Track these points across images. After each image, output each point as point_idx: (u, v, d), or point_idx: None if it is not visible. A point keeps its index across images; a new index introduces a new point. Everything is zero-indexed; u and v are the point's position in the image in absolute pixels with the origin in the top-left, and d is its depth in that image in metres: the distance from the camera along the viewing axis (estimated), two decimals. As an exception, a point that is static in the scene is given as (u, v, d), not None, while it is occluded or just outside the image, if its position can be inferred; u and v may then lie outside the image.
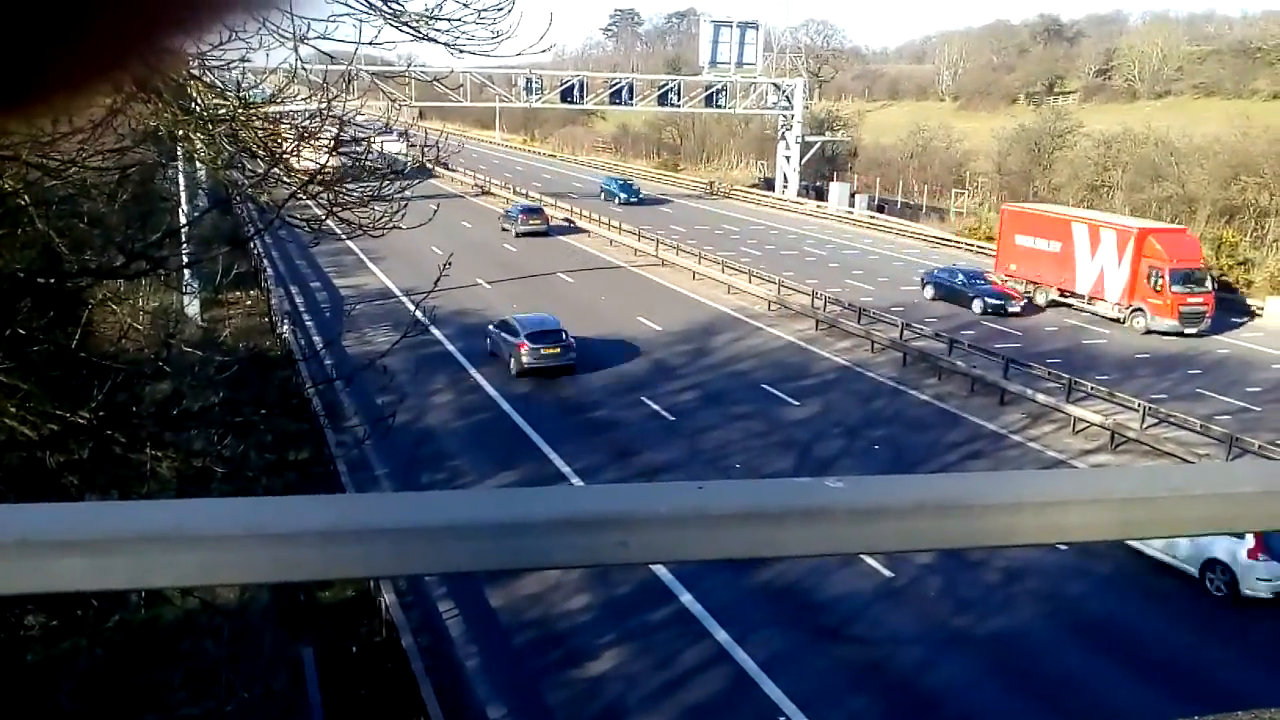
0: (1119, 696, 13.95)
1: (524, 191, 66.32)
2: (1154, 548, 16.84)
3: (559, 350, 28.28)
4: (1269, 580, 16.13)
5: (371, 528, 0.86)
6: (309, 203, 8.35)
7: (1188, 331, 34.24)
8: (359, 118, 8.68)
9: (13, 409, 7.17)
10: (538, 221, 52.28)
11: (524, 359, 27.91)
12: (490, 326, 30.22)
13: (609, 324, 33.77)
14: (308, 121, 7.92)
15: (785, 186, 68.21)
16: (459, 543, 0.87)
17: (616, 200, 63.72)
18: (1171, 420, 24.36)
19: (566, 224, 55.31)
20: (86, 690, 11.56)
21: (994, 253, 42.91)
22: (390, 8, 7.35)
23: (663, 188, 76.07)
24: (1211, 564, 16.58)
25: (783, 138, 68.43)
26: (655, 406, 25.76)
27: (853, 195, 65.49)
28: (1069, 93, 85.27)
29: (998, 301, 37.27)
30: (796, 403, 26.72)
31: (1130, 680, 14.32)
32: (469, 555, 0.88)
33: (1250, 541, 15.77)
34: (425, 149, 9.16)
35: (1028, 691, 14.31)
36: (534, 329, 28.48)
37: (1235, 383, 29.47)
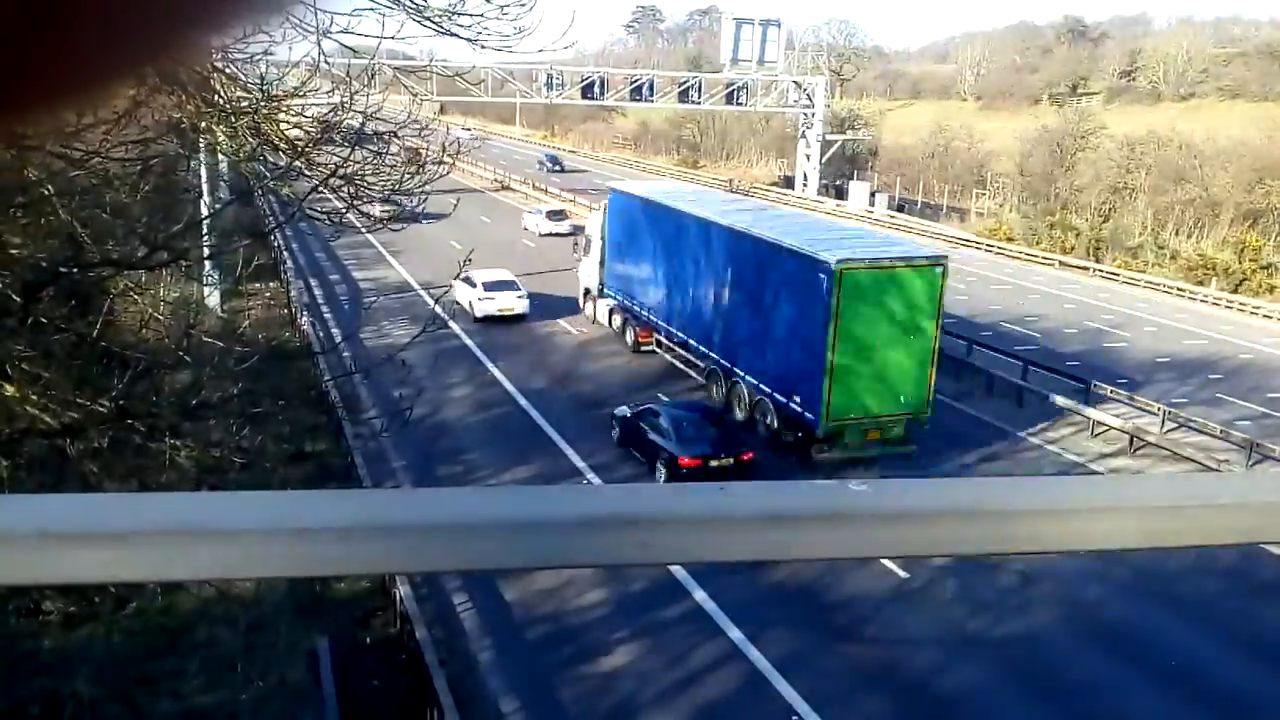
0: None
1: (543, 187, 66.43)
2: None
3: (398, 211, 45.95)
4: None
5: (390, 524, 0.86)
6: (330, 196, 8.38)
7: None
8: (379, 111, 8.70)
9: (34, 397, 7.22)
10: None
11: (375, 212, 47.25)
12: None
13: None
14: (330, 115, 7.95)
15: (805, 185, 68.03)
16: (478, 540, 0.86)
17: None
18: (1191, 425, 24.22)
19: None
20: (103, 677, 11.65)
21: (1013, 254, 43.18)
22: (413, 2, 7.36)
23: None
24: None
25: (803, 136, 68.24)
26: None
27: (873, 194, 65.32)
28: (1093, 94, 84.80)
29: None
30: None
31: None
32: (489, 553, 0.87)
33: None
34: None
35: (1044, 695, 14.26)
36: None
37: (1256, 388, 29.26)
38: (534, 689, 14.13)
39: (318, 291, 38.22)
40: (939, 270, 21.84)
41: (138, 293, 9.60)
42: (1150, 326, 37.44)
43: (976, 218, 62.27)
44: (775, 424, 22.66)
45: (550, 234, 48.03)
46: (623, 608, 15.95)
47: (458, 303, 31.69)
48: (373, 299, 34.44)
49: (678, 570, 16.32)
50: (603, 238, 31.47)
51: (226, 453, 8.57)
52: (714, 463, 19.81)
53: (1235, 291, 44.14)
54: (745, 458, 20.35)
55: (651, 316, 28.65)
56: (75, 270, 7.58)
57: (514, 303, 32.79)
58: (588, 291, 33.37)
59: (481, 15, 7.47)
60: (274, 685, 12.67)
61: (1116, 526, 1.01)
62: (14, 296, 7.18)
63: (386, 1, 7.32)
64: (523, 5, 7.48)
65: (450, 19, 7.49)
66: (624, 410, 22.36)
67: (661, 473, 20.18)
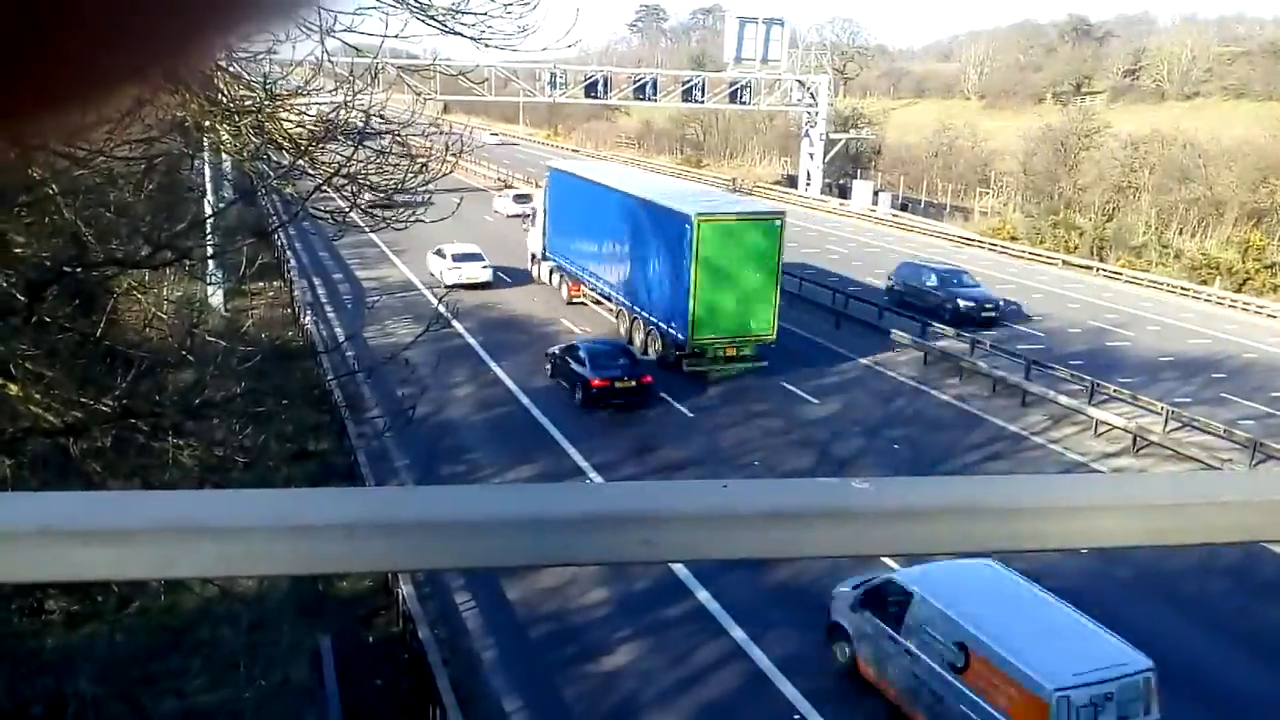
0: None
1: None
2: None
3: None
4: None
5: (394, 521, 0.86)
6: (333, 195, 8.37)
7: None
8: (383, 110, 8.69)
9: (38, 396, 7.23)
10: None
11: None
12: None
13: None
14: (333, 114, 7.95)
15: (808, 184, 67.98)
16: (483, 538, 0.86)
17: None
18: (1195, 424, 24.19)
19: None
20: (106, 675, 11.66)
21: (1017, 253, 43.38)
22: (417, 1, 7.36)
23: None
24: None
25: (806, 135, 68.18)
26: (674, 403, 25.75)
27: (876, 193, 65.26)
28: (1096, 93, 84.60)
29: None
30: (816, 401, 26.66)
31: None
32: (493, 551, 0.87)
33: None
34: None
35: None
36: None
37: (1260, 388, 29.22)
38: (537, 688, 14.14)
39: (321, 290, 38.23)
40: (778, 223, 28.12)
41: (141, 292, 9.62)
42: (1154, 326, 37.39)
43: (980, 217, 62.17)
44: (660, 348, 28.76)
45: (517, 215, 50.20)
46: (625, 607, 15.95)
47: (430, 272, 37.59)
48: (376, 298, 34.46)
49: (680, 569, 16.31)
50: (545, 210, 36.98)
51: (229, 452, 8.57)
52: (619, 384, 24.94)
53: (1239, 291, 44.07)
54: (645, 380, 25.35)
55: (577, 271, 34.61)
56: (79, 269, 7.59)
57: (479, 273, 37.14)
58: (534, 256, 38.90)
59: (485, 14, 7.48)
60: (277, 684, 12.68)
61: (1119, 524, 1.01)
62: (18, 295, 7.19)
63: (390, 0, 7.32)
64: (526, 4, 7.49)
65: (454, 18, 7.49)
66: (554, 349, 27.39)
67: (579, 393, 25.12)
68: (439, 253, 37.41)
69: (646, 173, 49.31)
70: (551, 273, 37.25)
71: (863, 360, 30.93)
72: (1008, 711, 11.69)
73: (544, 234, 37.14)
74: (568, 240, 35.29)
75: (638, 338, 29.96)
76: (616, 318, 32.07)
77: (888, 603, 13.72)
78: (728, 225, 27.62)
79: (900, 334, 32.29)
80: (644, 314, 29.57)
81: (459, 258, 37.02)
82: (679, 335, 27.54)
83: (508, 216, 52.10)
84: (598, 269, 32.89)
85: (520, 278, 39.05)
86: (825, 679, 14.33)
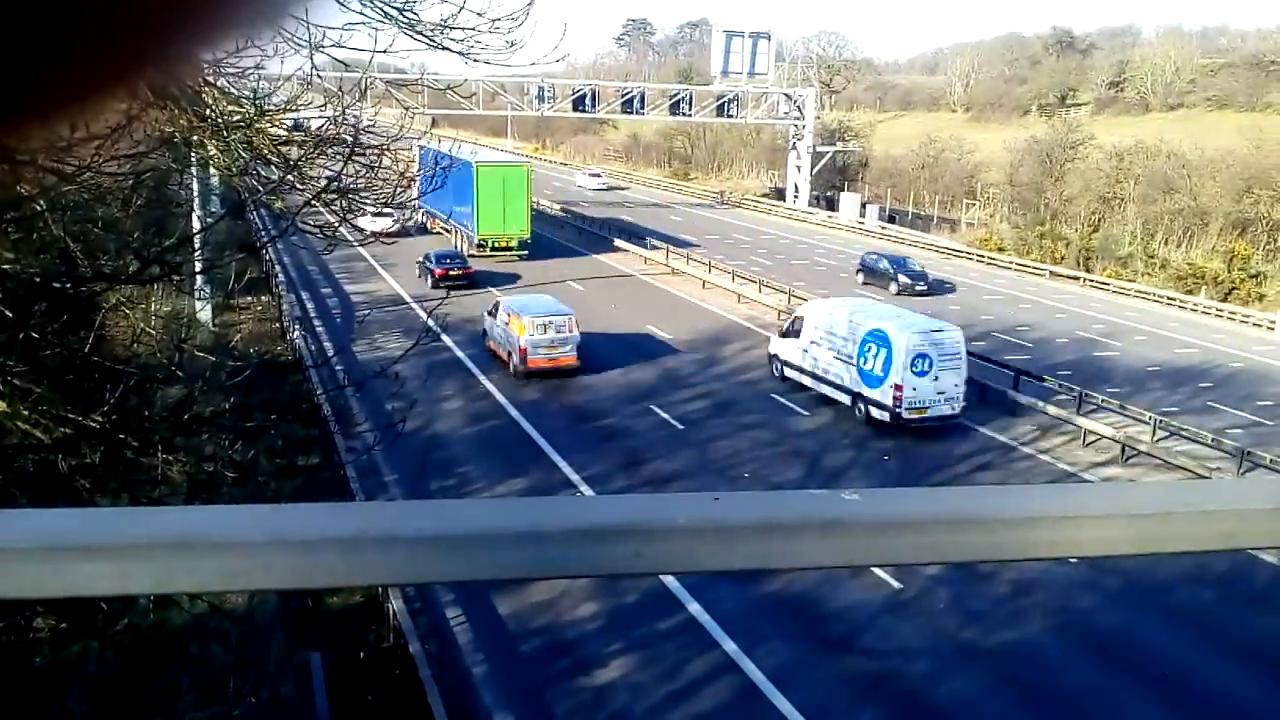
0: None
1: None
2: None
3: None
4: None
5: (390, 536, 0.87)
6: (322, 209, 8.37)
7: None
8: (373, 125, 8.70)
9: (26, 412, 7.20)
10: None
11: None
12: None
13: (620, 332, 33.77)
14: (323, 128, 7.95)
15: (796, 196, 68.20)
16: (476, 552, 0.87)
17: None
18: (1183, 434, 24.29)
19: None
20: (94, 693, 11.58)
21: (1006, 265, 43.66)
22: (405, 17, 7.38)
23: (673, 196, 76.21)
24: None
25: (794, 148, 68.41)
26: (664, 415, 25.75)
27: (864, 206, 65.46)
28: (1081, 105, 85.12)
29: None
30: (806, 413, 26.68)
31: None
32: (485, 564, 0.88)
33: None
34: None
35: (1037, 705, 14.26)
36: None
37: (1248, 397, 29.35)
38: (527, 703, 14.09)
39: (310, 305, 38.16)
40: (524, 168, 49.05)
41: (129, 307, 9.57)
42: (1141, 335, 37.56)
43: (967, 228, 62.44)
44: (467, 246, 46.08)
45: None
46: (617, 620, 15.92)
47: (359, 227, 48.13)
48: (365, 312, 34.43)
49: (671, 582, 16.29)
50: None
51: (219, 467, 8.54)
52: (451, 272, 40.13)
53: (1225, 300, 44.33)
54: (469, 270, 40.97)
55: (434, 211, 50.48)
56: (67, 285, 7.56)
57: (390, 224, 48.64)
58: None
59: (474, 29, 7.48)
60: (266, 700, 12.61)
61: (1107, 533, 1.02)
62: (6, 311, 7.17)
63: (379, 15, 7.33)
64: (514, 19, 7.50)
65: (442, 33, 7.50)
66: (420, 258, 41.68)
67: (429, 280, 40.55)
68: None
69: (471, 145, 64.94)
70: (423, 215, 53.19)
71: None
72: (513, 330, 28.36)
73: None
74: (432, 194, 49.98)
75: (459, 243, 47.15)
76: (452, 235, 49.36)
77: (495, 311, 30.04)
78: (495, 168, 47.30)
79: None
80: (459, 226, 48.04)
81: (374, 213, 46.96)
82: (473, 235, 45.99)
83: None
84: (441, 206, 48.78)
85: (419, 230, 52.56)
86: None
